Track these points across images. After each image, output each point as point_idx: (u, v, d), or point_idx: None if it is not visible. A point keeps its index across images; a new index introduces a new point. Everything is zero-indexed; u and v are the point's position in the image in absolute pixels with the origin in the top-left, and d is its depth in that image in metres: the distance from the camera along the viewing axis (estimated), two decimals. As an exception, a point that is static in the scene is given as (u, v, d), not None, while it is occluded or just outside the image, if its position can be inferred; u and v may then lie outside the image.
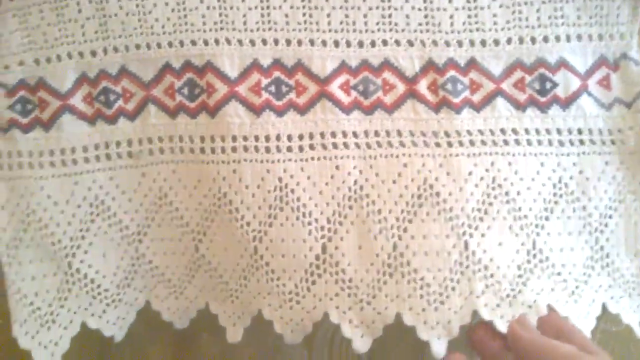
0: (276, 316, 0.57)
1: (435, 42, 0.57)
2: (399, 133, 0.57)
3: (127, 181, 0.59)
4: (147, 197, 0.59)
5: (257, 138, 0.57)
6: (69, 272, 0.59)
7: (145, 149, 0.59)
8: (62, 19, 0.58)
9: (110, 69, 0.58)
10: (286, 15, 0.57)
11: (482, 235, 0.56)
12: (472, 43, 0.57)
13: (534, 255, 0.56)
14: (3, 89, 0.58)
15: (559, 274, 0.57)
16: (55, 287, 0.59)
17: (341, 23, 0.57)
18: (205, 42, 0.57)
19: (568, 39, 0.57)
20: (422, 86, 0.57)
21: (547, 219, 0.57)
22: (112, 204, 0.59)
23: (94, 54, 0.58)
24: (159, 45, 0.57)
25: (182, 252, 0.60)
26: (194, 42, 0.57)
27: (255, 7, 0.57)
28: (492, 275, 0.56)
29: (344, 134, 0.57)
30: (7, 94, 0.58)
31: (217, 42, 0.57)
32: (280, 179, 0.57)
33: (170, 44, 0.57)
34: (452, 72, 0.57)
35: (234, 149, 0.57)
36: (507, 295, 0.55)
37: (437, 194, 0.56)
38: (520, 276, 0.56)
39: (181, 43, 0.57)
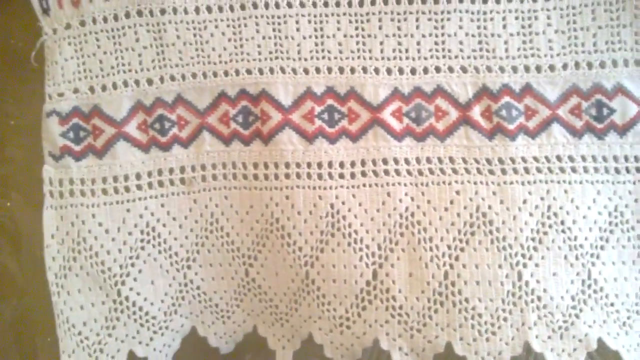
0: (326, 340, 0.59)
1: (489, 68, 0.58)
2: (452, 160, 0.58)
3: (179, 208, 0.61)
4: (198, 223, 0.61)
5: (309, 165, 0.59)
6: (118, 300, 0.61)
7: (198, 175, 0.61)
8: (119, 47, 0.59)
9: (166, 97, 0.60)
10: (339, 44, 0.58)
11: (536, 265, 0.56)
12: (527, 69, 0.58)
13: (589, 286, 0.57)
14: (57, 116, 0.60)
15: (612, 304, 0.57)
16: (104, 315, 0.61)
17: (394, 51, 0.58)
18: (261, 71, 0.59)
19: (626, 63, 0.58)
20: (476, 112, 0.58)
21: (602, 248, 0.58)
22: (162, 231, 0.61)
23: (150, 82, 0.59)
24: (215, 74, 0.59)
25: (232, 277, 0.62)
26: (249, 71, 0.59)
27: (310, 36, 0.58)
28: (545, 307, 0.56)
29: (396, 161, 0.58)
30: (60, 122, 0.60)
31: (272, 70, 0.58)
32: (332, 205, 0.58)
33: (226, 73, 0.59)
34: (506, 98, 0.58)
35: (287, 176, 0.59)
36: (560, 327, 0.56)
37: (490, 222, 0.57)
38: (573, 307, 0.57)
39: (237, 72, 0.59)
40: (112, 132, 0.60)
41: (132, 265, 0.60)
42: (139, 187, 0.60)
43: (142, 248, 0.60)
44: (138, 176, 0.60)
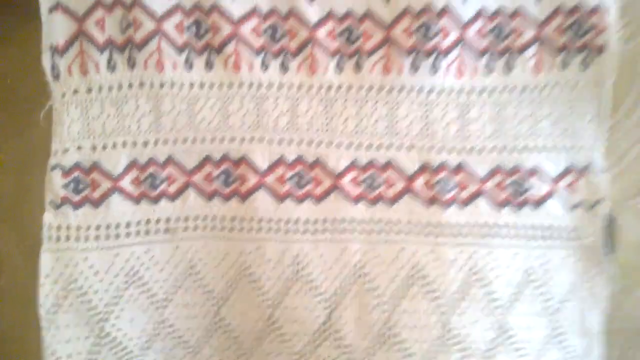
0: None
1: (431, 148, 0.72)
2: (397, 222, 0.72)
3: (162, 254, 0.72)
4: (177, 268, 0.72)
5: (279, 221, 0.71)
6: (101, 335, 0.71)
7: (181, 226, 0.72)
8: (121, 112, 0.71)
9: (159, 158, 0.71)
10: (309, 121, 0.71)
11: (461, 314, 0.71)
12: (461, 150, 0.73)
13: (503, 332, 0.71)
14: (60, 169, 0.70)
15: (522, 349, 0.72)
16: (87, 349, 0.70)
17: (354, 129, 0.72)
18: (242, 140, 0.71)
19: (543, 149, 0.73)
20: (418, 184, 0.72)
21: (516, 301, 0.72)
22: (145, 274, 0.72)
23: (145, 144, 0.71)
24: (202, 141, 0.71)
25: (204, 316, 0.73)
26: (232, 139, 0.71)
27: (285, 113, 0.71)
28: (466, 349, 0.70)
29: (351, 221, 0.72)
30: (63, 175, 0.70)
31: (251, 140, 0.71)
32: (296, 256, 0.71)
33: (212, 140, 0.71)
34: (443, 174, 0.72)
35: (259, 229, 0.71)
36: (479, 367, 0.70)
37: (425, 276, 0.71)
38: (490, 350, 0.71)
39: (222, 139, 0.71)
40: (108, 186, 0.70)
41: (116, 304, 0.71)
42: (127, 235, 0.71)
43: (126, 289, 0.71)
44: (128, 225, 0.71)
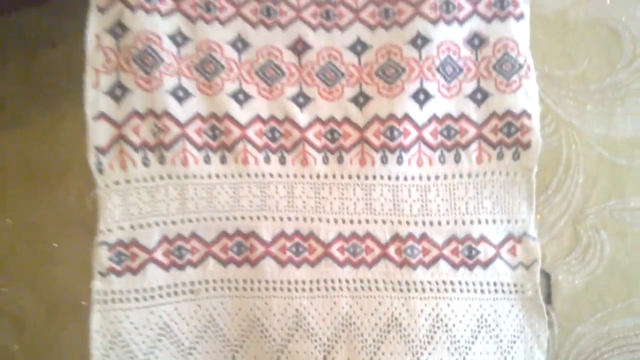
0: None
1: (400, 222, 0.93)
2: (376, 281, 0.92)
3: (187, 311, 0.91)
4: (200, 321, 0.91)
5: (282, 282, 0.91)
6: (138, 379, 0.87)
7: (202, 288, 0.92)
8: (154, 198, 0.91)
9: (184, 233, 0.91)
10: (303, 202, 0.92)
11: (429, 353, 0.90)
12: (424, 223, 0.94)
13: None
14: (106, 246, 0.89)
15: None
16: None
17: (339, 208, 0.93)
18: (251, 218, 0.92)
19: (487, 222, 0.94)
20: (391, 250, 0.93)
21: (473, 342, 0.92)
22: (174, 327, 0.91)
23: (174, 223, 0.91)
24: (219, 219, 0.91)
25: None
26: (243, 217, 0.91)
27: (284, 197, 0.92)
28: (435, 382, 0.90)
29: (339, 281, 0.92)
30: (108, 250, 0.89)
31: (258, 218, 0.92)
32: (297, 310, 0.91)
33: (227, 218, 0.91)
34: (410, 242, 0.93)
35: (266, 289, 0.91)
36: (445, 397, 0.89)
37: (400, 324, 0.91)
38: (454, 383, 0.90)
39: (234, 218, 0.91)
40: (144, 257, 0.90)
41: (152, 352, 0.89)
42: (160, 296, 0.90)
43: (159, 340, 0.89)
44: (160, 288, 0.90)
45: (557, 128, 0.97)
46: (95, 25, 0.89)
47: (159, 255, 0.89)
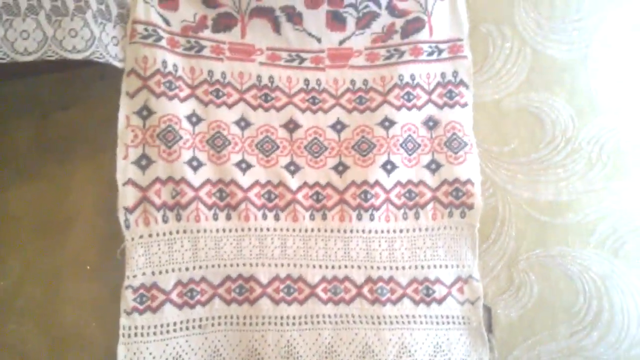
0: None
1: (372, 267, 1.16)
2: (353, 316, 1.14)
3: (196, 343, 1.10)
4: (207, 351, 1.11)
5: (276, 317, 1.12)
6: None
7: (209, 323, 1.12)
8: (171, 249, 1.11)
9: (196, 278, 1.11)
10: (294, 252, 1.15)
11: None
12: (391, 268, 1.16)
13: None
14: (131, 289, 1.07)
15: None
16: None
17: (323, 255, 1.15)
18: (251, 265, 1.12)
19: (441, 267, 1.18)
20: (365, 290, 1.15)
21: None
22: (185, 357, 1.09)
23: (187, 269, 1.10)
24: (225, 265, 1.12)
25: None
26: (244, 264, 1.12)
27: (277, 247, 1.14)
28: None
29: (323, 316, 1.14)
30: (132, 292, 1.07)
31: (257, 264, 1.13)
32: (288, 341, 1.11)
33: (231, 265, 1.12)
34: (380, 284, 1.15)
35: (263, 324, 1.11)
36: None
37: (373, 351, 1.13)
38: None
39: (237, 264, 1.12)
40: (162, 298, 1.09)
41: None
42: (174, 330, 1.09)
43: None
44: (174, 324, 1.09)
45: (495, 192, 1.22)
46: (125, 108, 1.08)
47: (174, 296, 1.08)
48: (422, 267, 1.14)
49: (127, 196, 1.06)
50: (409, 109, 1.16)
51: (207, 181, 1.10)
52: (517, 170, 1.21)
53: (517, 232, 1.20)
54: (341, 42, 1.19)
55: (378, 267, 1.13)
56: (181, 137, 1.08)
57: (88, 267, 1.15)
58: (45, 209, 1.19)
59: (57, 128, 1.23)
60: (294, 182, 1.13)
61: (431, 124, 1.17)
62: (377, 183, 1.13)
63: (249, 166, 1.13)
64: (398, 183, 1.15)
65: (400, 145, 1.15)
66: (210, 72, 1.13)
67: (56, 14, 1.04)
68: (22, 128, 1.24)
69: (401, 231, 1.15)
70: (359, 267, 1.12)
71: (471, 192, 1.14)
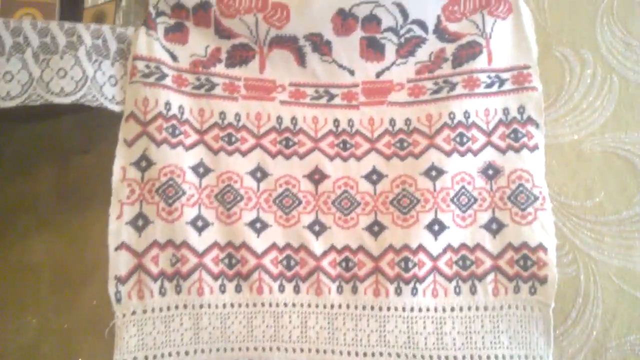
0: None
1: (414, 355, 0.92)
2: None
3: None
4: None
5: None
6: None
7: None
8: (168, 328, 0.92)
9: (197, 362, 0.92)
10: (317, 333, 0.92)
11: None
12: (439, 357, 0.92)
13: None
14: (121, 367, 0.90)
15: None
16: None
17: (353, 339, 0.92)
18: (263, 349, 0.92)
19: (504, 357, 0.92)
20: None
21: None
22: None
23: (187, 353, 0.92)
24: (232, 349, 0.92)
25: None
26: (256, 348, 0.92)
27: (297, 327, 0.92)
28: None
29: None
30: (123, 370, 0.90)
31: (271, 348, 0.92)
32: None
33: (239, 349, 0.92)
34: None
35: None
36: None
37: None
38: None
39: (247, 348, 0.92)
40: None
41: None
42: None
43: None
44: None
45: (575, 258, 0.96)
46: (121, 158, 0.95)
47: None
48: (480, 357, 0.91)
49: (120, 263, 0.92)
50: (462, 154, 0.95)
51: (214, 245, 0.94)
52: (605, 232, 0.97)
53: (605, 311, 0.95)
54: (378, 74, 1.00)
55: (422, 356, 0.92)
56: (184, 193, 0.94)
57: (106, 329, 0.98)
58: (64, 261, 1.15)
59: (77, 172, 1.21)
60: (318, 246, 0.95)
61: (491, 172, 0.96)
62: (421, 248, 0.92)
63: (264, 226, 0.96)
64: (448, 248, 0.94)
65: (451, 200, 0.95)
66: (222, 114, 0.95)
67: (45, 51, 0.91)
68: (42, 173, 1.23)
69: (452, 310, 0.93)
70: (397, 355, 0.92)
71: (544, 260, 0.92)
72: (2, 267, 1.22)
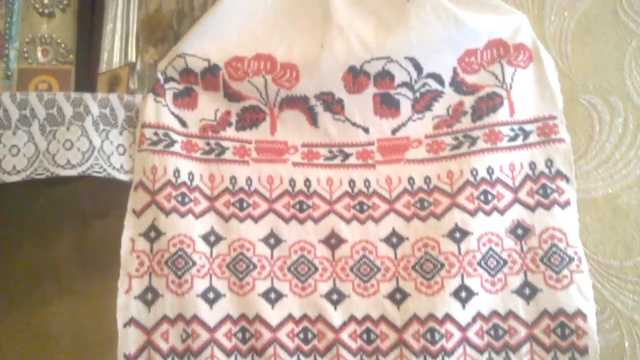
0: None
1: None
2: None
3: None
4: None
5: None
6: None
7: None
8: None
9: None
10: None
11: None
12: None
13: None
14: None
15: None
16: None
17: None
18: None
19: None
20: None
21: None
22: None
23: None
24: None
25: None
26: None
27: None
28: None
29: None
30: None
31: None
32: None
33: None
34: None
35: None
36: None
37: None
38: None
39: None
40: None
41: None
42: None
43: None
44: None
45: (618, 324, 0.87)
46: (130, 229, 0.91)
47: None
48: None
49: (129, 340, 0.88)
50: (488, 213, 0.89)
51: (226, 318, 0.90)
52: (650, 293, 0.85)
53: (656, 382, 0.83)
54: (394, 131, 0.96)
55: None
56: (194, 263, 0.90)
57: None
58: (84, 329, 1.16)
59: (96, 237, 1.22)
60: (337, 317, 0.89)
61: (520, 232, 0.89)
62: (448, 317, 0.86)
63: (279, 296, 0.91)
64: (478, 316, 0.87)
65: (479, 263, 0.88)
66: (233, 179, 0.91)
67: (51, 123, 0.90)
68: (62, 237, 1.24)
69: (486, 382, 0.83)
70: None
71: (583, 328, 0.84)
72: (23, 334, 1.23)
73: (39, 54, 1.32)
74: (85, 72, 1.27)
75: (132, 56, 1.22)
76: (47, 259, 1.23)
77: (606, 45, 0.92)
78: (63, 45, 1.31)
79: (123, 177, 0.93)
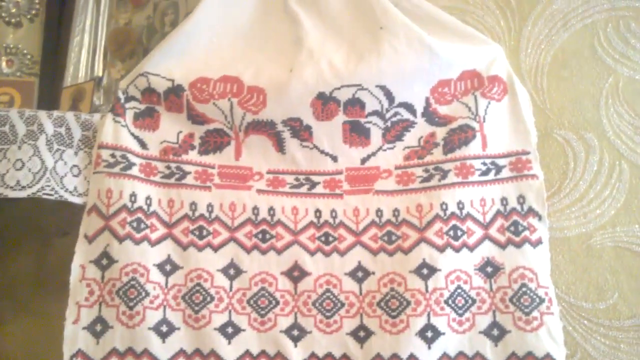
0: None
1: None
2: None
3: None
4: None
5: None
6: None
7: None
8: None
9: None
10: None
11: None
12: None
13: None
14: None
15: None
16: None
17: None
18: None
19: None
20: None
21: None
22: None
23: None
24: None
25: None
26: None
27: None
28: None
29: None
30: None
31: None
32: None
33: None
34: None
35: None
36: None
37: None
38: None
39: None
40: None
41: None
42: None
43: None
44: None
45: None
46: (81, 255, 0.87)
47: None
48: None
49: None
50: (457, 249, 0.86)
51: (180, 353, 0.86)
52: (620, 338, 0.85)
53: None
54: (364, 161, 0.93)
55: None
56: (147, 294, 0.85)
57: None
58: (39, 350, 1.08)
59: (57, 256, 1.16)
60: (297, 354, 0.85)
61: (490, 270, 0.86)
62: (412, 358, 0.82)
63: (236, 330, 0.87)
64: (444, 357, 0.83)
65: (446, 301, 0.84)
66: (193, 205, 0.87)
67: (2, 141, 0.83)
68: (21, 255, 1.20)
69: None
70: None
71: None
72: (-24, 353, 1.18)
73: (4, 64, 1.27)
74: (50, 85, 1.22)
75: (98, 70, 1.18)
76: (5, 277, 1.18)
77: (583, 81, 0.90)
78: (29, 56, 1.26)
79: (76, 200, 0.89)
